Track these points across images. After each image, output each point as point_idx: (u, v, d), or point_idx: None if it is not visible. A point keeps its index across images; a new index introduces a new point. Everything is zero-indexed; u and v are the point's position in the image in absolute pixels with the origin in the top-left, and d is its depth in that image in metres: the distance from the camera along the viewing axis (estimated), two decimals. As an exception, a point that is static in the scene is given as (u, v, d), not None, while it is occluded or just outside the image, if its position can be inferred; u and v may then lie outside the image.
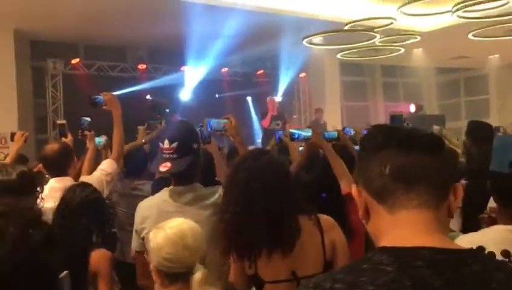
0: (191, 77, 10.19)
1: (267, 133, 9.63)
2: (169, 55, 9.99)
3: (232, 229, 1.83)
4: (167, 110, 8.94)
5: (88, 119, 3.63)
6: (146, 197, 2.45)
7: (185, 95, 10.43)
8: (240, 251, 1.85)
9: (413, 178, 0.90)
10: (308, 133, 2.78)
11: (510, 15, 7.48)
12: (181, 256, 1.63)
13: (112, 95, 3.06)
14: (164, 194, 2.17)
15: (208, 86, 10.38)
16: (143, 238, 2.10)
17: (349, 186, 2.52)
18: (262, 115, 9.57)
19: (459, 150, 5.09)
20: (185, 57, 9.50)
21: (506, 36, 8.99)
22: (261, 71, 11.40)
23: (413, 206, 0.90)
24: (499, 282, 0.82)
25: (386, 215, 0.92)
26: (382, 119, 13.58)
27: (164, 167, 2.07)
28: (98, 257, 1.95)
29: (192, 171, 2.14)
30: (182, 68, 10.08)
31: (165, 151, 2.09)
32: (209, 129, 2.68)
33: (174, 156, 2.07)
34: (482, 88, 14.63)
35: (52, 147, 2.79)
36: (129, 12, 7.77)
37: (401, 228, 0.90)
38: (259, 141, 10.24)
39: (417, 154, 0.91)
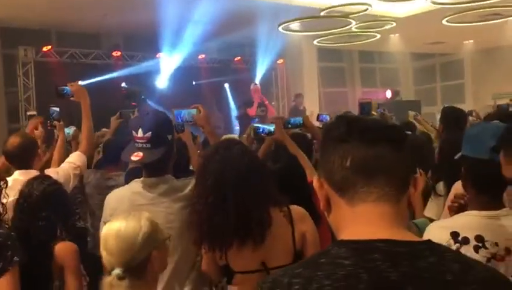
0: (167, 64, 10.05)
1: (243, 122, 9.62)
2: (145, 42, 9.82)
3: (204, 220, 1.82)
4: (143, 98, 8.84)
5: (57, 109, 3.54)
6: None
7: (161, 82, 10.30)
8: (211, 242, 1.84)
9: (374, 171, 0.90)
10: (271, 127, 2.81)
11: (484, 0, 7.56)
12: (103, 256, 1.54)
13: (79, 86, 2.99)
14: (135, 185, 2.12)
15: (185, 73, 10.26)
16: None
17: (311, 176, 2.57)
18: (247, 104, 9.52)
19: (433, 135, 5.17)
20: (160, 43, 9.36)
21: (480, 22, 9.09)
22: (239, 58, 11.31)
23: (373, 200, 0.90)
24: (454, 274, 0.83)
25: (346, 208, 0.92)
26: (360, 104, 13.69)
27: (136, 157, 2.03)
28: (63, 250, 1.91)
29: (165, 163, 2.10)
30: (158, 55, 9.93)
31: (137, 141, 2.04)
32: (179, 120, 2.65)
33: (147, 146, 2.02)
34: (457, 73, 14.84)
35: (13, 141, 2.72)
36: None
37: (360, 221, 0.90)
38: (237, 128, 10.21)
39: (379, 147, 0.91)
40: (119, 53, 9.86)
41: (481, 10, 8.11)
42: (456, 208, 1.97)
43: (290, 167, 2.50)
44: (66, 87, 2.95)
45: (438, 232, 1.63)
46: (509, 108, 5.56)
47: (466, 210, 1.75)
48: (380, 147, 0.91)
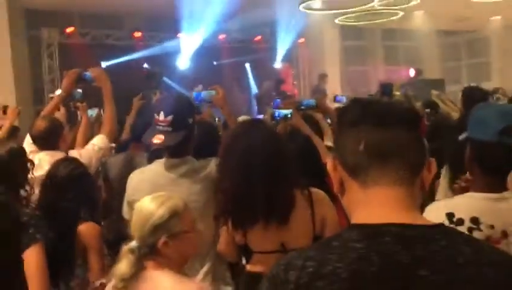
0: (188, 45, 10.06)
1: (262, 102, 9.63)
2: (165, 22, 9.83)
3: (230, 199, 1.85)
4: (164, 79, 8.90)
5: (80, 91, 3.60)
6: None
7: (182, 62, 10.33)
8: (237, 220, 1.87)
9: (388, 155, 0.90)
10: (287, 112, 2.81)
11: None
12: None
13: (100, 71, 3.03)
14: (156, 166, 2.17)
15: (205, 53, 10.26)
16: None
17: (325, 157, 2.58)
18: (278, 82, 9.55)
19: (455, 113, 5.09)
20: (180, 24, 9.37)
21: (507, -3, 8.81)
22: (259, 37, 11.24)
23: (386, 183, 0.90)
24: (465, 257, 0.84)
25: (359, 190, 0.92)
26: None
27: (157, 139, 2.06)
28: (87, 231, 1.98)
29: (186, 146, 2.13)
30: (178, 35, 9.93)
31: (159, 124, 2.07)
32: (198, 102, 2.68)
33: (169, 129, 2.05)
34: (483, 51, 14.44)
35: (39, 124, 2.79)
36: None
37: (373, 204, 0.91)
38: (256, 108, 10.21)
39: (393, 130, 0.91)
40: (140, 34, 9.91)
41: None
42: (459, 190, 1.95)
43: (305, 148, 2.50)
44: (87, 73, 2.98)
45: (434, 212, 1.61)
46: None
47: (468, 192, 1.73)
48: (395, 131, 0.91)
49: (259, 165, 1.81)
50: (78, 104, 3.49)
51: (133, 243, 1.56)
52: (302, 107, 3.07)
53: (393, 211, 0.89)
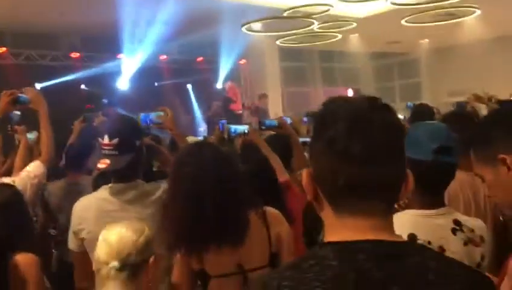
0: (128, 65, 9.89)
1: (211, 123, 9.60)
2: (105, 42, 9.60)
3: (181, 225, 1.78)
4: (104, 101, 8.65)
5: (18, 113, 3.39)
6: (88, 192, 2.37)
7: (123, 83, 10.11)
8: (190, 246, 1.82)
9: (366, 192, 0.88)
10: (244, 128, 2.80)
11: (438, 2, 7.82)
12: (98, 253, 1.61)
13: (36, 92, 2.85)
14: (103, 192, 2.07)
15: (147, 74, 10.13)
16: (82, 239, 2.01)
17: (283, 177, 2.58)
18: (226, 101, 9.55)
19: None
20: (120, 44, 9.20)
21: (435, 22, 9.40)
22: (201, 58, 11.25)
23: (362, 214, 0.89)
24: (435, 273, 0.85)
25: (334, 215, 0.91)
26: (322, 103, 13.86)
27: (103, 164, 1.98)
28: (24, 262, 1.83)
29: (133, 169, 2.05)
30: (118, 56, 9.74)
31: (104, 147, 1.99)
32: (146, 124, 2.61)
33: (115, 152, 1.97)
34: (414, 72, 15.29)
35: None
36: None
37: (348, 230, 0.90)
38: (201, 129, 10.16)
39: (377, 167, 0.87)
40: (77, 54, 9.62)
41: (437, 11, 8.38)
42: (400, 208, 2.02)
43: (259, 168, 2.49)
44: (22, 95, 2.80)
45: None
46: (467, 105, 5.73)
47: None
48: (380, 165, 0.87)
49: (209, 189, 1.75)
50: (16, 127, 3.28)
51: (115, 263, 1.51)
52: (264, 127, 3.04)
53: (367, 234, 0.89)
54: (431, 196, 1.67)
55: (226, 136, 3.04)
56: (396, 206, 2.25)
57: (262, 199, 1.97)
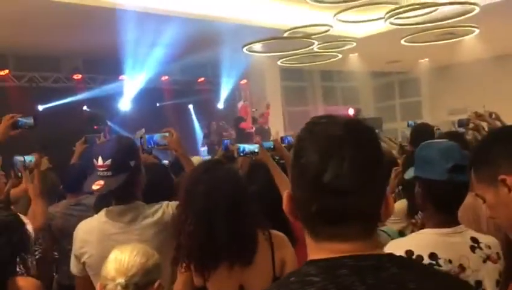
0: (130, 86, 9.96)
1: (210, 143, 9.63)
2: (107, 64, 9.70)
3: (194, 241, 1.79)
4: (107, 122, 8.68)
5: (21, 158, 3.26)
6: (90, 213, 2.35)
7: (125, 105, 10.17)
8: (201, 264, 1.81)
9: (341, 221, 0.87)
10: (254, 147, 2.79)
11: (438, 21, 7.90)
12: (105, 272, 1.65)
13: (40, 156, 2.90)
14: (104, 215, 2.07)
15: (148, 95, 10.19)
16: (84, 263, 2.01)
17: None
18: (237, 120, 9.64)
19: (395, 151, 5.31)
20: (122, 66, 9.28)
21: (434, 41, 9.48)
22: (202, 79, 11.33)
23: (339, 240, 0.88)
24: (416, 281, 0.86)
25: (312, 240, 0.91)
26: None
27: (97, 185, 1.98)
28: (25, 287, 1.81)
29: (130, 189, 2.04)
30: (120, 77, 9.81)
31: (98, 169, 1.99)
32: (150, 145, 2.60)
33: (108, 173, 1.97)
34: (414, 90, 15.36)
35: None
36: (62, 21, 7.46)
37: (327, 252, 0.89)
38: (203, 149, 10.17)
39: (352, 196, 0.85)
40: (80, 76, 9.69)
41: (436, 30, 8.46)
42: (418, 226, 2.00)
43: (266, 189, 2.48)
44: (22, 119, 2.75)
45: (393, 250, 1.65)
46: (469, 122, 5.72)
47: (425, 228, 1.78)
48: (354, 194, 0.85)
49: (222, 207, 1.78)
50: (21, 172, 3.20)
51: (121, 280, 1.55)
52: (241, 154, 3.00)
53: (348, 251, 0.88)
54: (446, 215, 1.68)
55: (235, 155, 3.02)
56: (411, 226, 2.23)
57: (268, 221, 1.96)
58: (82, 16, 7.29)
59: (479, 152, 1.29)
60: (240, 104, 9.90)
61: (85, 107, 9.55)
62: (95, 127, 7.66)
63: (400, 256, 0.92)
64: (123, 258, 1.60)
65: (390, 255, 0.91)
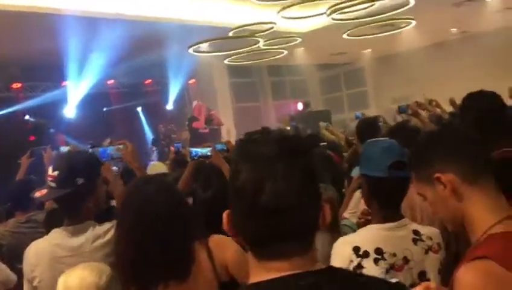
0: (74, 92, 9.65)
1: (159, 146, 9.51)
2: (48, 71, 9.33)
3: (126, 263, 1.72)
4: (51, 130, 8.38)
5: None
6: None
7: (70, 111, 9.84)
8: (137, 285, 1.77)
9: (281, 239, 0.89)
10: (206, 151, 2.78)
11: (377, 15, 8.18)
12: None
13: None
14: (54, 236, 2.02)
15: (94, 100, 9.91)
16: (35, 288, 1.96)
17: None
18: (190, 120, 9.51)
19: (343, 142, 5.49)
20: (65, 72, 8.97)
21: (375, 34, 9.79)
22: (149, 80, 11.15)
23: (279, 258, 0.90)
24: None
25: (253, 259, 0.92)
26: (273, 117, 14.08)
27: (39, 193, 2.00)
28: None
29: (78, 208, 2.00)
30: (63, 84, 9.48)
31: (48, 178, 1.98)
32: (105, 158, 2.56)
33: (53, 185, 1.96)
34: (359, 81, 15.79)
35: None
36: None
37: (268, 271, 0.90)
38: (153, 153, 10.03)
39: (289, 214, 0.87)
40: (19, 85, 9.28)
41: (376, 24, 8.74)
42: (362, 223, 2.10)
43: (222, 194, 2.49)
44: None
45: (342, 247, 1.74)
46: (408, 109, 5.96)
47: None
48: (291, 213, 0.87)
49: (150, 225, 1.69)
50: None
51: None
52: (195, 157, 2.99)
53: (286, 272, 0.89)
54: (390, 210, 1.77)
55: (188, 159, 2.99)
56: (357, 219, 2.31)
57: (220, 227, 1.96)
58: (19, 22, 6.99)
59: (415, 154, 1.38)
60: (194, 103, 9.80)
61: (27, 117, 9.18)
62: (35, 136, 7.33)
63: (340, 269, 0.96)
64: (74, 284, 1.53)
65: (329, 270, 0.93)
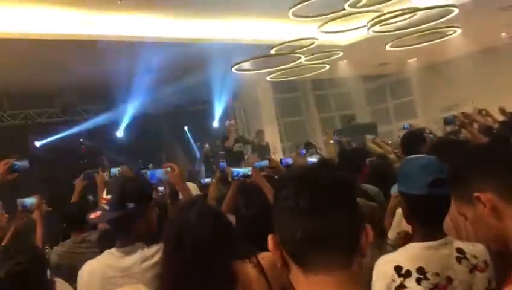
0: (125, 114, 10.05)
1: (207, 163, 9.66)
2: (100, 95, 9.79)
3: (169, 287, 1.80)
4: (103, 156, 8.73)
5: (26, 201, 3.40)
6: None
7: (121, 133, 10.24)
8: None
9: (325, 242, 0.94)
10: (247, 170, 2.84)
11: (419, 25, 8.03)
12: None
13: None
14: (106, 257, 2.12)
15: (144, 121, 10.26)
16: None
17: None
18: (223, 140, 9.70)
19: (393, 156, 5.37)
20: (116, 95, 9.37)
21: (418, 43, 9.60)
22: (196, 101, 11.41)
23: (324, 270, 0.94)
24: None
25: (300, 274, 0.96)
26: (318, 131, 14.02)
27: (94, 215, 2.08)
28: None
29: (128, 231, 2.09)
30: (114, 107, 9.91)
31: (102, 201, 2.10)
32: (154, 181, 2.67)
33: (107, 207, 2.06)
34: (406, 91, 15.45)
35: None
36: (51, 58, 7.57)
37: (314, 286, 0.94)
38: (201, 170, 10.21)
39: (329, 216, 0.94)
40: (74, 110, 9.79)
41: (419, 34, 8.58)
42: (402, 242, 2.06)
43: (263, 213, 2.52)
44: (18, 163, 2.84)
45: (383, 267, 1.71)
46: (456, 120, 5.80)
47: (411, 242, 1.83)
48: (331, 216, 0.94)
49: (191, 250, 1.75)
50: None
51: None
52: (235, 178, 3.04)
53: (332, 285, 0.93)
54: (431, 228, 1.74)
55: (230, 179, 3.06)
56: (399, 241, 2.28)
57: (265, 246, 1.98)
58: (69, 51, 7.40)
59: (453, 173, 1.37)
60: (227, 123, 9.96)
61: (81, 140, 9.63)
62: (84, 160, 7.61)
63: None
64: None
65: None
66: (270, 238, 1.00)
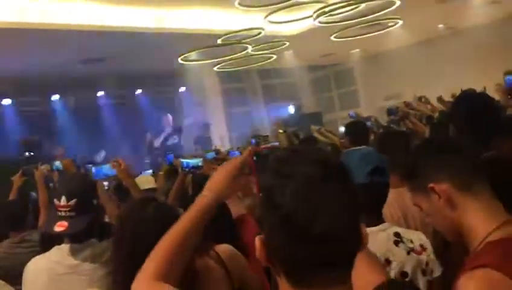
0: (63, 106, 9.63)
1: (153, 155, 9.48)
2: (36, 85, 9.30)
3: (122, 285, 1.72)
4: (42, 145, 8.32)
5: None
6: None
7: (60, 125, 9.82)
8: None
9: (334, 266, 0.86)
10: (197, 161, 2.78)
11: (363, 16, 8.22)
12: None
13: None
14: (55, 253, 2.01)
15: (84, 111, 9.88)
16: None
17: (238, 211, 2.57)
18: (158, 134, 9.50)
19: (338, 143, 5.48)
20: (53, 85, 8.96)
21: (363, 34, 9.84)
22: (140, 90, 11.13)
23: (319, 287, 0.86)
24: None
25: (290, 287, 0.87)
26: (265, 121, 14.09)
27: (60, 227, 1.93)
28: None
29: (91, 229, 2.01)
30: (53, 97, 9.47)
31: (60, 209, 1.95)
32: (100, 177, 2.56)
33: (72, 213, 1.94)
34: (349, 80, 15.84)
35: None
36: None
37: None
38: (146, 162, 10.00)
39: (332, 244, 0.83)
40: (9, 101, 9.24)
41: (362, 25, 8.78)
42: None
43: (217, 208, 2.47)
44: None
45: None
46: (398, 110, 6.02)
47: None
48: (334, 243, 0.83)
49: (148, 250, 1.61)
50: None
51: None
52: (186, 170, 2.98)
53: None
54: (371, 215, 1.79)
55: (180, 170, 2.99)
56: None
57: (217, 237, 1.95)
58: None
59: (409, 166, 1.38)
60: (165, 116, 9.86)
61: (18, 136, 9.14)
62: (29, 153, 7.22)
63: None
64: None
65: None
66: (257, 240, 0.89)
